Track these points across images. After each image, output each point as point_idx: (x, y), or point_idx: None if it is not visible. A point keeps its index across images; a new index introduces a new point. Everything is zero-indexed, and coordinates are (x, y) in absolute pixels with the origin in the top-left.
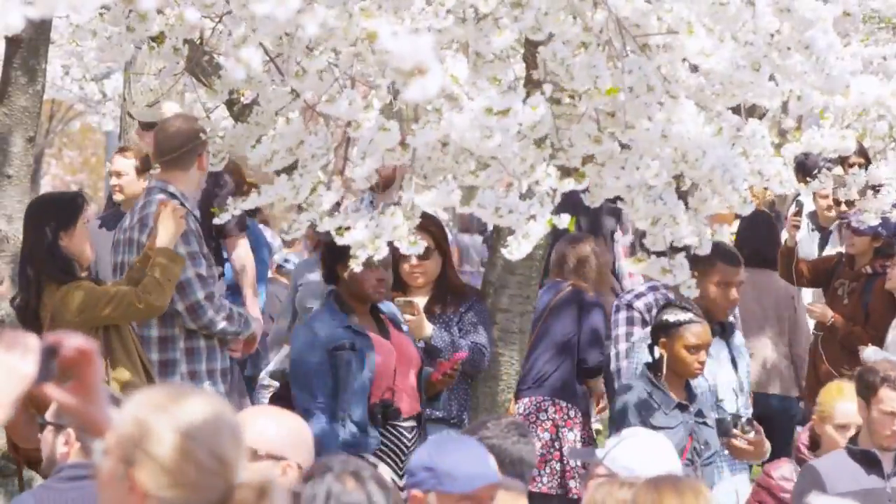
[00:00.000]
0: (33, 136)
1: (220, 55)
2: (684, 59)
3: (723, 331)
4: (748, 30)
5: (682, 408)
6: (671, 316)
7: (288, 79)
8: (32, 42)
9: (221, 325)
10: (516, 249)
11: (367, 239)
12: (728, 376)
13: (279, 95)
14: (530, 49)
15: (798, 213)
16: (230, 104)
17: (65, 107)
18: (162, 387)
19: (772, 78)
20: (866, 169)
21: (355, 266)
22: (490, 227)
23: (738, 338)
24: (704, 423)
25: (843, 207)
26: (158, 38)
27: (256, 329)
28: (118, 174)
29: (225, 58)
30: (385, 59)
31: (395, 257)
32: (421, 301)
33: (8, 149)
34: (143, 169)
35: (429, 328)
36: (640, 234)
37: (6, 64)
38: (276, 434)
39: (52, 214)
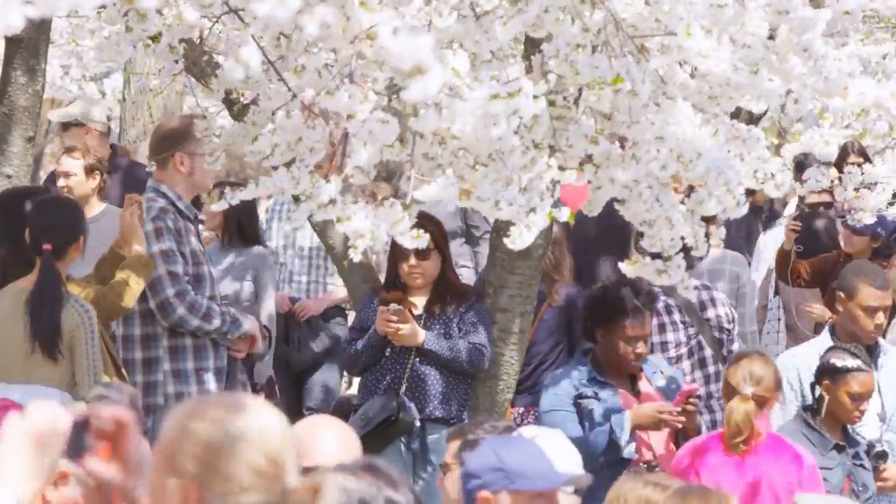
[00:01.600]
0: (33, 136)
1: (219, 55)
2: (684, 63)
3: (870, 356)
4: (746, 31)
5: (839, 449)
6: (839, 361)
7: (287, 75)
8: (32, 42)
9: (195, 323)
10: (518, 239)
11: (366, 229)
12: (871, 402)
13: (279, 94)
14: (529, 49)
15: (798, 218)
16: (230, 104)
17: (64, 107)
18: (209, 397)
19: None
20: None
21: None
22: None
23: (891, 364)
24: (862, 466)
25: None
26: (155, 38)
27: (251, 327)
28: (66, 175)
29: (224, 57)
30: (383, 56)
31: (394, 257)
32: (420, 301)
33: (7, 149)
34: (90, 170)
35: (421, 335)
36: (638, 236)
37: (6, 63)
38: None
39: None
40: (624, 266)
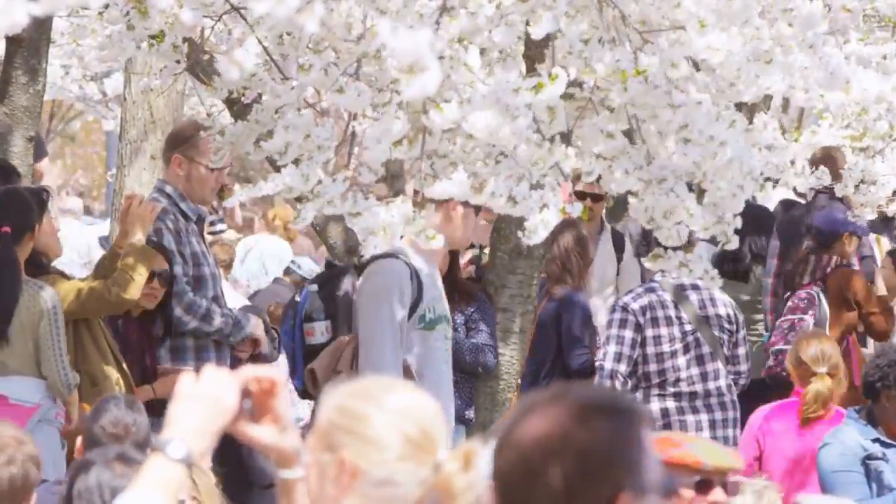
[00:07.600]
0: (34, 136)
1: (220, 54)
2: (693, 59)
3: None
4: (754, 25)
5: None
6: None
7: (296, 74)
8: (33, 41)
9: (193, 324)
10: (534, 234)
11: (378, 226)
12: None
13: (286, 93)
14: (530, 48)
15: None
16: (231, 103)
17: (65, 106)
18: (357, 380)
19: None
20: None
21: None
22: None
23: None
24: None
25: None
26: (158, 37)
27: (255, 329)
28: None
29: (222, 57)
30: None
31: None
32: None
33: (8, 148)
34: None
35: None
36: (648, 232)
37: (7, 63)
38: None
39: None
40: (646, 261)
